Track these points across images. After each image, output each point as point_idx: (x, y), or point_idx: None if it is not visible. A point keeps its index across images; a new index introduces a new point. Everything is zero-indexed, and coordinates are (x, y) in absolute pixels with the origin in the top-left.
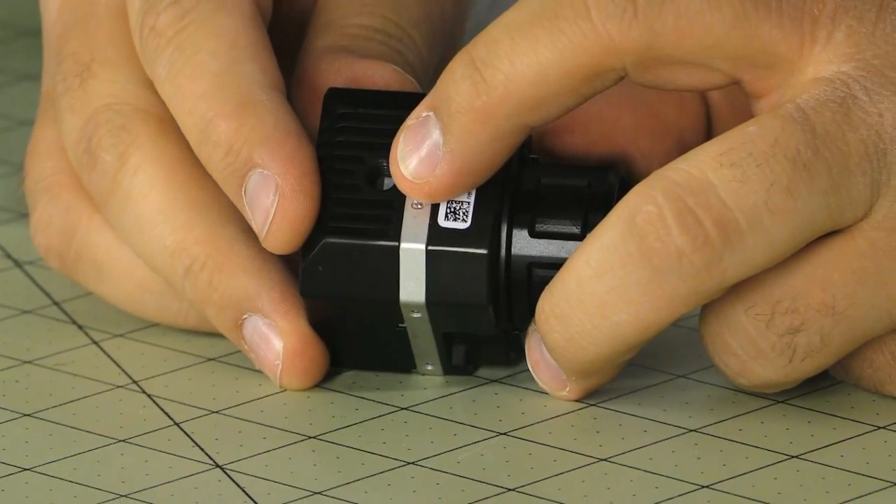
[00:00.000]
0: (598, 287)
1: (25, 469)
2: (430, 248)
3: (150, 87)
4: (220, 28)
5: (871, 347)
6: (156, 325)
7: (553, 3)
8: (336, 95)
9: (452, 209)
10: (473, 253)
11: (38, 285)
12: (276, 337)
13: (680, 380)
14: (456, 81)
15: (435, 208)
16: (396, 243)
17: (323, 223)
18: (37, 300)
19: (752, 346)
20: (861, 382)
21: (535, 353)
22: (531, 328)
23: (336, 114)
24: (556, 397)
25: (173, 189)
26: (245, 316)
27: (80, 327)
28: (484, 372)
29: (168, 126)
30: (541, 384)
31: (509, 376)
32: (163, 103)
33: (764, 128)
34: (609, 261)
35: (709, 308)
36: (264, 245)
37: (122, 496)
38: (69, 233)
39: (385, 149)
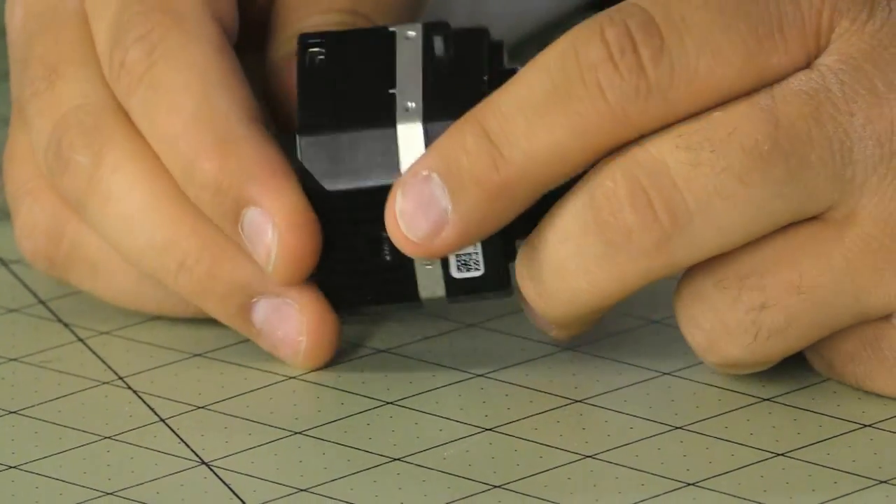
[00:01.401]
0: (560, 251)
1: (11, 467)
2: (451, 301)
3: None
4: (189, 61)
5: (852, 342)
6: (141, 321)
7: (564, 81)
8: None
9: (463, 261)
10: (497, 294)
11: (23, 284)
12: (297, 313)
13: (666, 377)
14: (469, 153)
15: (445, 262)
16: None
17: (340, 296)
18: (22, 299)
19: (719, 320)
20: (845, 378)
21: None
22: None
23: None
24: (548, 335)
25: (155, 185)
26: (254, 299)
27: (66, 325)
28: (471, 366)
29: None
30: (532, 323)
31: (494, 371)
32: None
33: (727, 114)
34: (570, 228)
35: (682, 280)
36: (271, 279)
37: (108, 494)
38: (57, 235)
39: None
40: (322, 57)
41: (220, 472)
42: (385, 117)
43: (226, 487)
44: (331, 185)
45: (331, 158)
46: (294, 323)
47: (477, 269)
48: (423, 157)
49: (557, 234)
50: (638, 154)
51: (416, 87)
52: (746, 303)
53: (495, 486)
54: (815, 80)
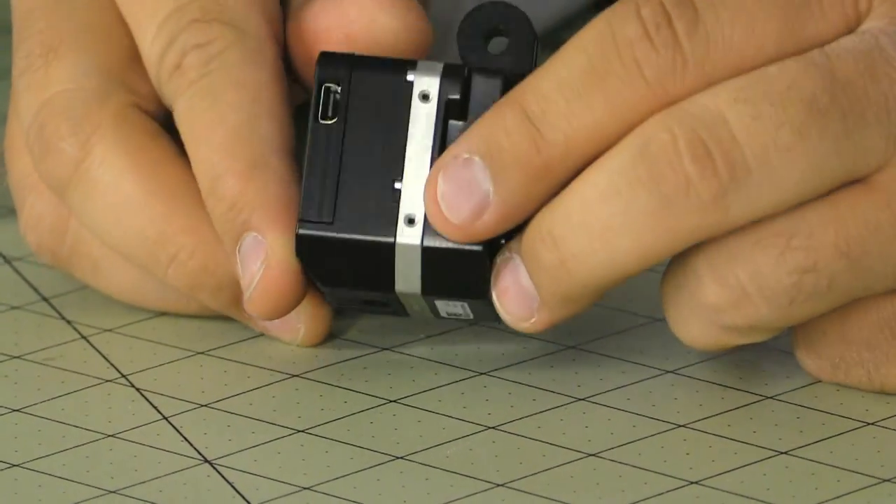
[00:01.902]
0: (602, 210)
1: (14, 465)
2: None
3: (113, 74)
4: (245, 80)
5: (867, 328)
6: (144, 318)
7: (602, 60)
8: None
9: (454, 314)
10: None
11: (26, 281)
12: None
13: (669, 375)
14: (511, 134)
15: (434, 307)
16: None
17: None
18: (25, 296)
19: (755, 279)
20: (853, 371)
21: (507, 279)
22: (504, 255)
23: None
24: (516, 329)
25: (145, 178)
26: None
27: (69, 322)
28: (473, 365)
29: (130, 113)
30: (503, 313)
31: (497, 369)
32: (125, 89)
33: (784, 69)
34: (616, 184)
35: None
36: (246, 307)
37: (110, 492)
38: (60, 230)
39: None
40: (337, 95)
41: (223, 471)
42: (386, 225)
43: (229, 486)
44: (326, 285)
45: (327, 255)
46: (293, 313)
47: (466, 317)
48: (462, 138)
49: (598, 192)
50: (691, 108)
51: (423, 174)
52: (790, 264)
53: (498, 485)
54: (867, 41)
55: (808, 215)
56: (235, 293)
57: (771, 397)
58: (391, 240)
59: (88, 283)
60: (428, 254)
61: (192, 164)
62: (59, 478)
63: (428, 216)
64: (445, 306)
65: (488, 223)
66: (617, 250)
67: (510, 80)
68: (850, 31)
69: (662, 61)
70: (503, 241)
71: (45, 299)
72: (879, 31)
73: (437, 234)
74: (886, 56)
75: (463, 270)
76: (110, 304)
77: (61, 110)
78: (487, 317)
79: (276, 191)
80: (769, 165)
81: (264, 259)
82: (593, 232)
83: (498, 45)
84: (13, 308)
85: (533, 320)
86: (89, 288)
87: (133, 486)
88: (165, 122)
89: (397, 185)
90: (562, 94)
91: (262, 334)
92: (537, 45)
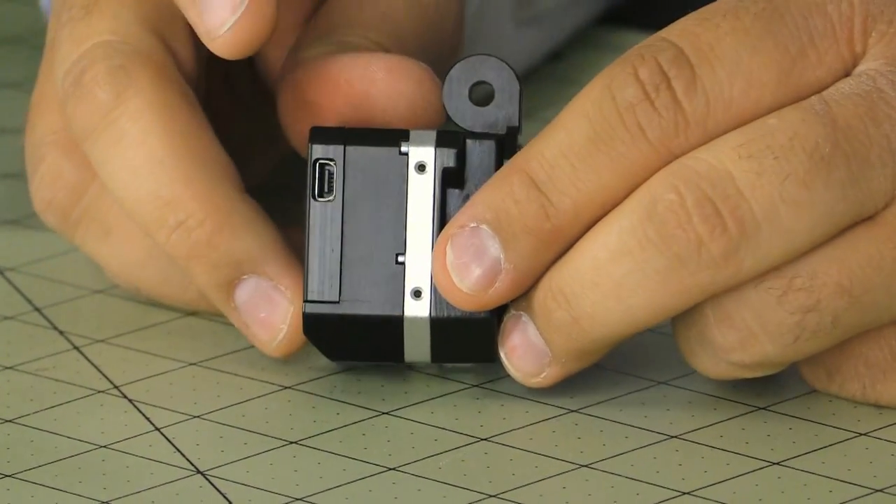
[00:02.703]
0: (614, 270)
1: (7, 476)
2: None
3: (155, 31)
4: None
5: (867, 343)
6: (136, 330)
7: (604, 125)
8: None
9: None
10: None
11: (19, 291)
12: (284, 300)
13: (661, 386)
14: (519, 202)
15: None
16: None
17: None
18: (18, 306)
19: (759, 320)
20: (848, 384)
21: (515, 338)
22: (511, 314)
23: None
24: (525, 384)
25: (172, 139)
26: (244, 277)
27: (61, 333)
28: (465, 377)
29: (169, 73)
30: (512, 370)
31: (490, 381)
32: (165, 49)
33: (784, 120)
34: (627, 245)
35: None
36: (213, 46)
37: (103, 503)
38: (80, 189)
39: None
40: (331, 169)
41: (216, 482)
42: (393, 299)
43: (221, 496)
44: (335, 359)
45: (336, 333)
46: (280, 310)
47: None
48: (468, 207)
49: (609, 252)
50: (696, 166)
51: (426, 246)
52: (793, 304)
53: (490, 496)
54: (865, 83)
55: (811, 256)
56: (231, 276)
57: (763, 408)
58: (399, 314)
59: (88, 251)
60: (437, 325)
61: None
62: (52, 488)
63: (438, 287)
64: (452, 367)
65: (500, 290)
66: (630, 308)
67: (503, 141)
68: (847, 73)
69: (665, 123)
70: (509, 303)
71: (37, 310)
72: (876, 73)
73: (444, 304)
74: (885, 97)
75: (473, 337)
76: (102, 314)
77: (103, 58)
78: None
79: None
80: (777, 218)
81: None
82: (606, 290)
83: (483, 96)
84: (6, 318)
85: (544, 375)
86: (82, 298)
87: (126, 496)
88: (196, 89)
89: (401, 259)
90: (567, 159)
91: (253, 346)
92: (522, 94)
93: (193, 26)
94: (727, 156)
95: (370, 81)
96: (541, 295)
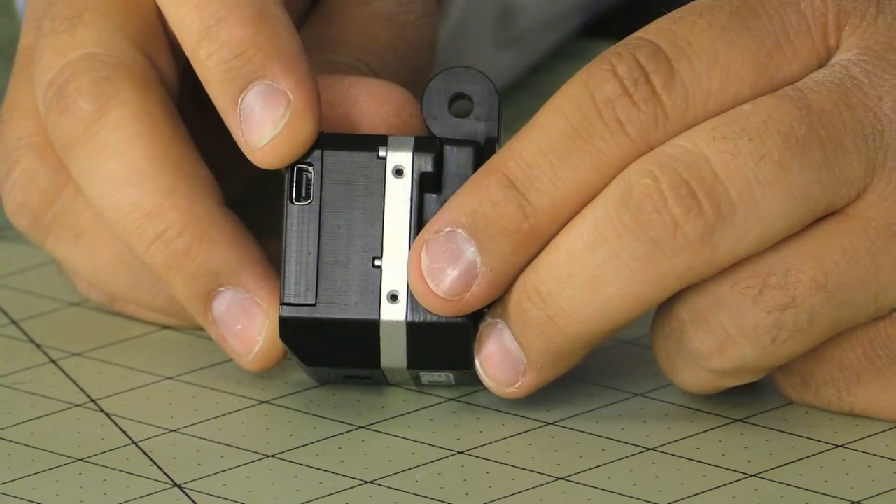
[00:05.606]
0: (590, 260)
1: None
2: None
3: (138, 46)
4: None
5: (840, 346)
6: (113, 343)
7: (583, 121)
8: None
9: (436, 382)
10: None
11: None
12: (261, 312)
13: (637, 398)
14: (497, 204)
15: (417, 380)
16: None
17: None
18: None
19: (736, 323)
20: (823, 389)
21: (491, 345)
22: (486, 322)
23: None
24: (499, 395)
25: (155, 150)
26: (221, 289)
27: (38, 346)
28: (441, 391)
29: (152, 86)
30: (487, 380)
31: (467, 395)
32: (149, 63)
33: (758, 105)
34: (603, 233)
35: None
36: (253, 157)
37: None
38: (53, 193)
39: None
40: (310, 175)
41: (193, 495)
42: (369, 303)
43: None
44: (311, 364)
45: (312, 336)
46: (257, 323)
47: (448, 384)
48: (443, 211)
49: (584, 242)
50: (671, 150)
51: (403, 250)
52: (769, 303)
53: None
54: (839, 72)
55: (784, 252)
56: (209, 288)
57: (740, 420)
58: (375, 318)
59: (59, 255)
60: (413, 329)
61: (177, 21)
62: (29, 501)
63: (414, 292)
64: (429, 376)
65: (477, 294)
66: (607, 299)
67: (480, 148)
68: (822, 66)
69: (644, 116)
70: (486, 310)
71: (14, 322)
72: (849, 62)
73: (420, 308)
74: (858, 84)
75: (449, 343)
76: (79, 327)
77: (88, 70)
78: (470, 382)
79: (287, 39)
80: (753, 200)
81: (287, 105)
82: (581, 283)
83: (462, 108)
84: None
85: (518, 384)
86: (58, 311)
87: None
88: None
89: (377, 263)
90: (545, 158)
91: (230, 360)
92: (501, 106)
93: (233, 135)
94: (702, 139)
95: (351, 105)
96: (516, 296)
